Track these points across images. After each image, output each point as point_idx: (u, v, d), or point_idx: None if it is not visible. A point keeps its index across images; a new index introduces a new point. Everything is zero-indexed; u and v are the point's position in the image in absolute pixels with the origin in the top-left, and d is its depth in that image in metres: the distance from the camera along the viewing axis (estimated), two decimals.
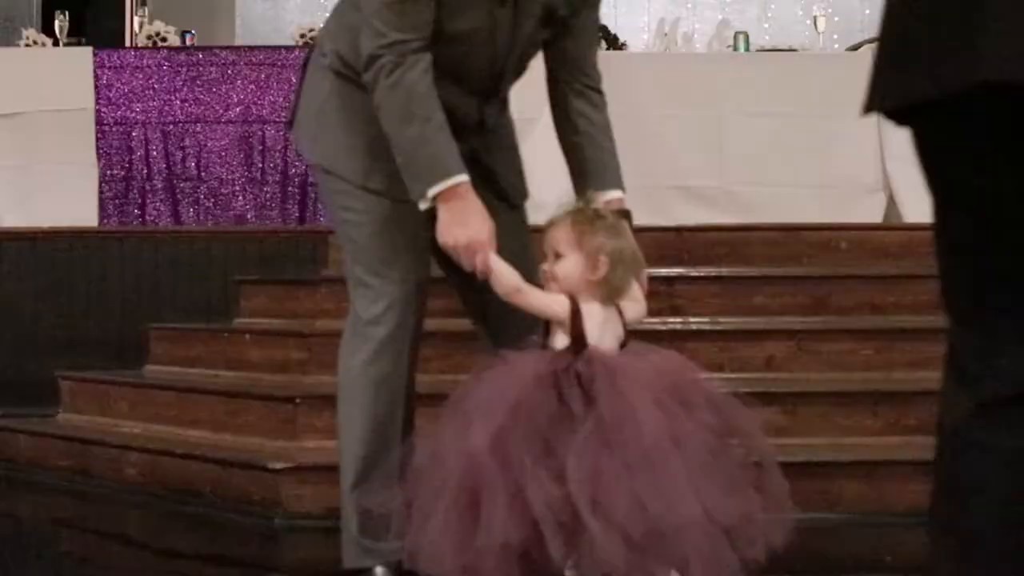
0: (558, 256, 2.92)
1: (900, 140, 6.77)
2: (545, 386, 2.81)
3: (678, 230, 5.55)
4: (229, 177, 6.45)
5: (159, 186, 6.44)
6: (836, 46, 8.01)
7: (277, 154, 6.44)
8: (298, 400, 4.71)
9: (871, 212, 6.34)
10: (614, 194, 3.17)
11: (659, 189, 6.09)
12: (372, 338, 3.20)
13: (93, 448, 5.13)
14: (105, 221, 6.39)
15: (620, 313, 2.97)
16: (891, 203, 6.38)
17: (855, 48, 7.01)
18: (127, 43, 7.22)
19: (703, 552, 2.74)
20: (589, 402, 2.79)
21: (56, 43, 6.99)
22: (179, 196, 6.45)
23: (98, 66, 6.50)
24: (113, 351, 5.73)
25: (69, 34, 7.06)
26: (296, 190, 6.42)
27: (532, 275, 3.02)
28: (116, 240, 5.97)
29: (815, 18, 7.25)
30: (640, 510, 2.69)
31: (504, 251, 2.99)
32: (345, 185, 3.20)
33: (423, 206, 2.98)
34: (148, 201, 6.45)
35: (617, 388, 2.79)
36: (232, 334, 5.35)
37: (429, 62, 2.98)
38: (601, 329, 2.92)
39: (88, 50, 6.57)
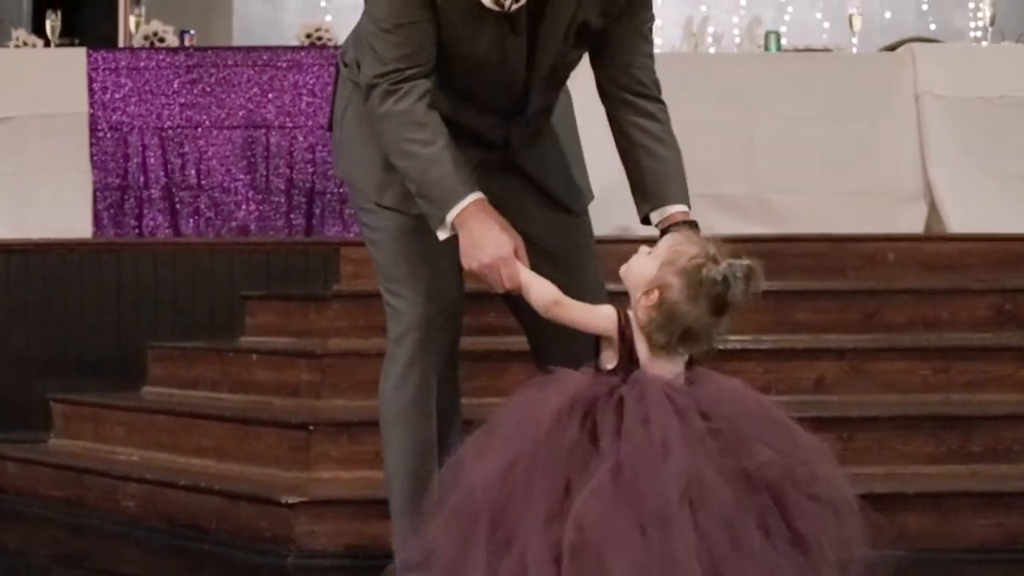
0: (649, 253, 2.70)
1: (942, 145, 6.44)
2: (578, 415, 2.59)
3: (712, 240, 5.25)
4: (231, 185, 6.12)
5: (157, 195, 6.10)
6: (854, 50, 7.70)
7: (282, 161, 6.11)
8: (311, 427, 4.44)
9: (911, 221, 6.03)
10: (675, 208, 2.93)
11: None
12: (397, 361, 3.13)
13: (87, 477, 4.85)
14: (99, 232, 6.06)
15: None
16: (932, 211, 6.06)
17: (892, 48, 6.69)
18: (121, 44, 6.88)
19: None
20: (619, 438, 2.56)
21: (48, 44, 6.65)
22: (178, 206, 6.11)
23: (92, 68, 6.17)
24: (109, 372, 5.43)
25: (61, 35, 6.73)
26: (303, 199, 6.09)
27: (588, 284, 2.96)
28: (112, 252, 5.64)
29: (850, 17, 6.93)
30: (640, 562, 2.46)
31: (552, 255, 2.92)
32: (363, 199, 3.11)
33: (443, 235, 2.85)
34: (145, 211, 6.11)
35: (649, 427, 2.54)
36: (237, 354, 5.07)
37: (426, 87, 2.87)
38: (650, 354, 2.67)
39: (82, 51, 6.23)
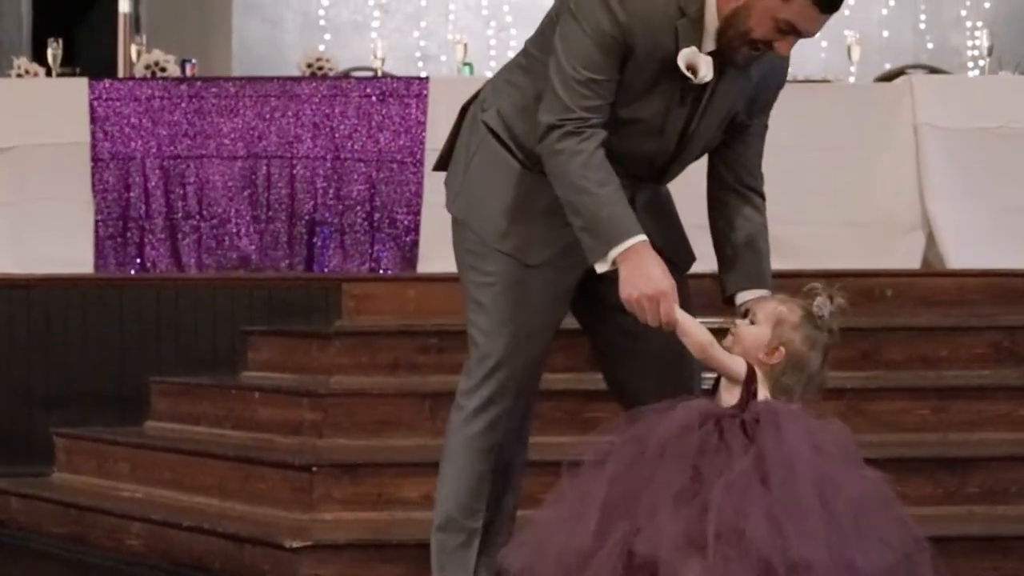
0: (753, 322, 2.97)
1: (940, 176, 6.43)
2: (707, 423, 2.86)
3: (714, 276, 5.26)
4: (232, 216, 6.12)
5: (159, 225, 6.11)
6: (853, 68, 7.72)
7: (283, 190, 6.11)
8: (315, 468, 4.46)
9: (909, 251, 6.04)
10: (760, 293, 3.17)
11: (686, 227, 5.77)
12: (476, 397, 3.22)
13: (91, 515, 4.86)
14: (101, 261, 6.06)
15: None
16: (930, 241, 6.07)
17: (889, 78, 6.71)
18: (120, 71, 6.88)
19: None
20: (750, 442, 2.83)
21: (49, 72, 6.66)
22: (179, 235, 6.11)
23: (94, 97, 6.16)
24: (112, 406, 5.43)
25: (62, 63, 6.72)
26: (303, 230, 6.10)
27: None
28: (114, 288, 5.65)
29: (848, 47, 6.94)
30: (783, 545, 2.70)
31: None
32: (478, 243, 3.21)
33: (602, 268, 3.00)
34: (146, 240, 6.11)
35: (781, 433, 2.82)
36: (239, 391, 5.08)
37: (603, 137, 3.03)
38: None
39: (83, 81, 6.23)
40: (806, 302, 2.98)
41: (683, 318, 2.94)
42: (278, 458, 4.62)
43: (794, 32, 2.95)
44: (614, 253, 2.96)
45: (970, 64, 9.75)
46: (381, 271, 6.01)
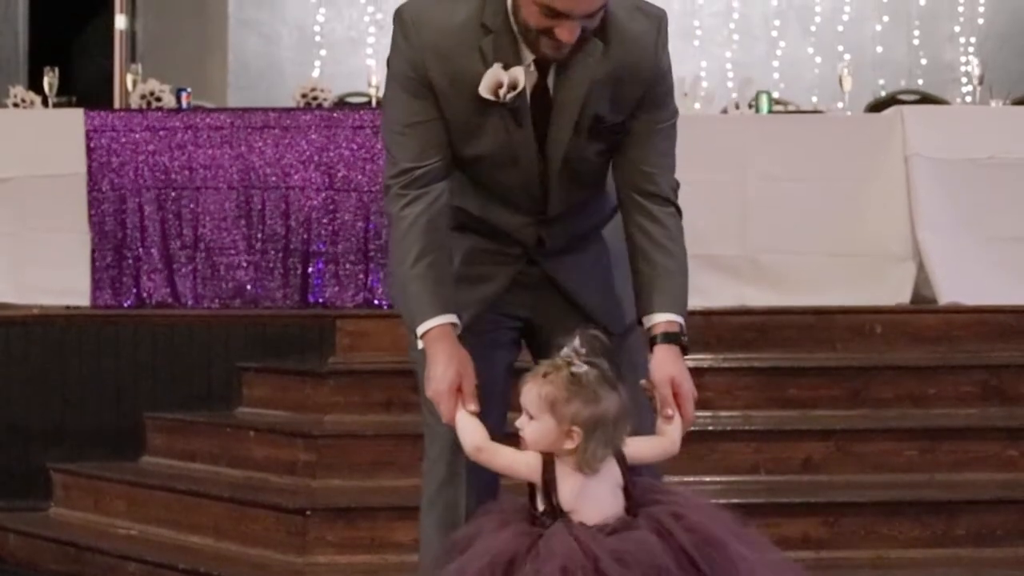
0: (530, 417, 2.67)
1: (931, 207, 6.45)
2: (518, 556, 2.61)
3: (705, 313, 5.33)
4: (228, 246, 6.17)
5: (155, 256, 6.15)
6: (847, 90, 7.73)
7: (277, 220, 6.16)
8: (308, 512, 4.49)
9: (900, 281, 6.08)
10: (660, 317, 2.84)
11: None
12: (432, 479, 3.05)
13: (88, 553, 4.88)
14: (98, 292, 6.11)
15: (620, 458, 2.68)
16: (920, 271, 6.11)
17: (881, 105, 6.73)
18: (116, 100, 6.92)
19: None
20: None
21: (45, 101, 6.69)
22: (175, 266, 6.16)
23: (91, 128, 6.20)
24: (108, 441, 5.47)
25: (57, 92, 6.75)
26: (297, 260, 6.14)
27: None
28: (111, 323, 5.68)
29: (840, 77, 6.96)
30: None
31: None
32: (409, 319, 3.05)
33: (420, 346, 2.82)
34: (143, 271, 6.16)
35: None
36: (235, 428, 5.12)
37: (438, 194, 2.86)
38: (582, 491, 2.67)
39: (79, 112, 6.27)
40: (559, 366, 2.65)
41: (461, 422, 2.74)
42: (272, 500, 4.66)
43: (556, 15, 2.68)
44: (419, 333, 2.79)
45: (963, 80, 9.79)
46: (375, 302, 6.06)
